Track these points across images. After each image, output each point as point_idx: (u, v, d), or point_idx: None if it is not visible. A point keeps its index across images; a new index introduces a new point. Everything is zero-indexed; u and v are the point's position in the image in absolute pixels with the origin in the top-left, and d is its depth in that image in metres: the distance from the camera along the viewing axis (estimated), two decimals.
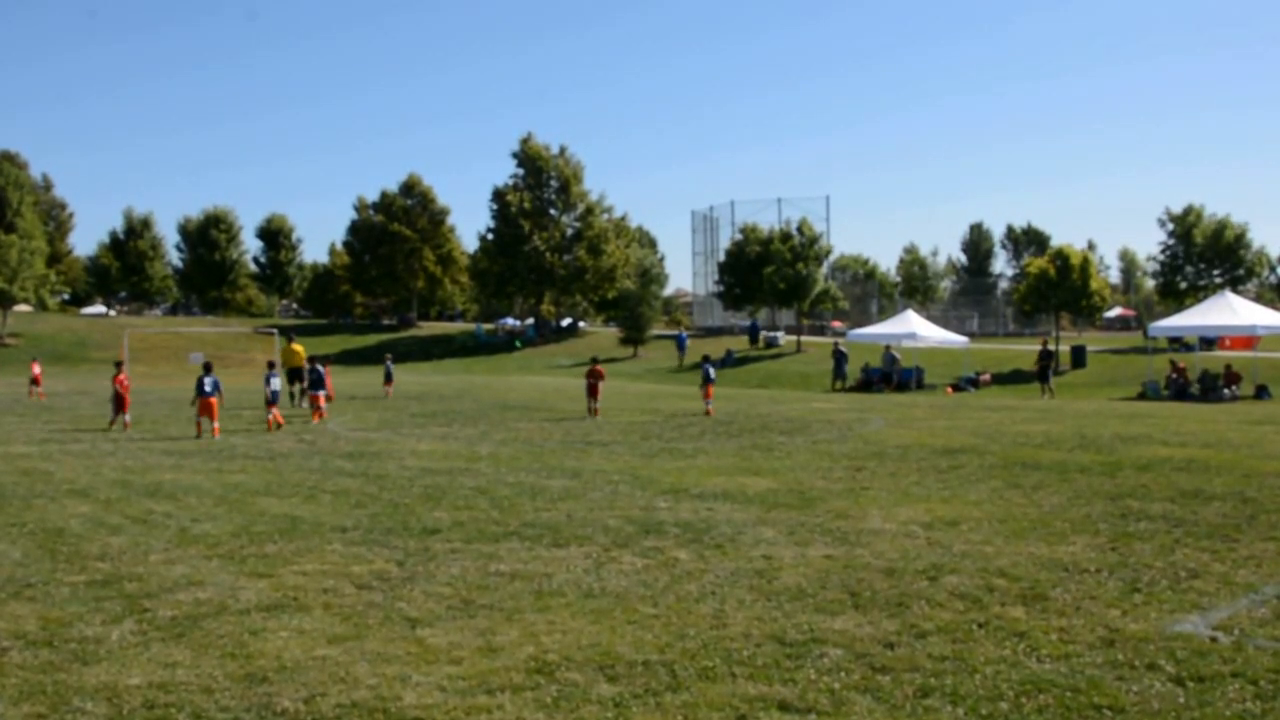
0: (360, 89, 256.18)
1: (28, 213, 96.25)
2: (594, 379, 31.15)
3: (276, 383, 27.49)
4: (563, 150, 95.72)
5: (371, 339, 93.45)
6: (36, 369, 48.05)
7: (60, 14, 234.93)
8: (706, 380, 32.20)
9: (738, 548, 11.29)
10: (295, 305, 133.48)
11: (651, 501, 14.64)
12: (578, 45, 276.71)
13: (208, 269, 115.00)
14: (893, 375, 50.02)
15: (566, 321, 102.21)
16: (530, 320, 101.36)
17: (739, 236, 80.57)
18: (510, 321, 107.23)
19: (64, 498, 15.65)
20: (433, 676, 7.13)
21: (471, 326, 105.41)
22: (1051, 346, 48.39)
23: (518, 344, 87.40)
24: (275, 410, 27.07)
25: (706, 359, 34.82)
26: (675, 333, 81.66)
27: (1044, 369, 45.42)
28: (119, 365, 27.51)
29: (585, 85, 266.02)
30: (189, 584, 9.92)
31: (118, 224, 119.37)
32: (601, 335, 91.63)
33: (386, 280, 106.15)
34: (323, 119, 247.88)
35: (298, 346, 38.51)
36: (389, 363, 44.31)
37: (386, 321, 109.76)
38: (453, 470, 18.36)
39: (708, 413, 30.63)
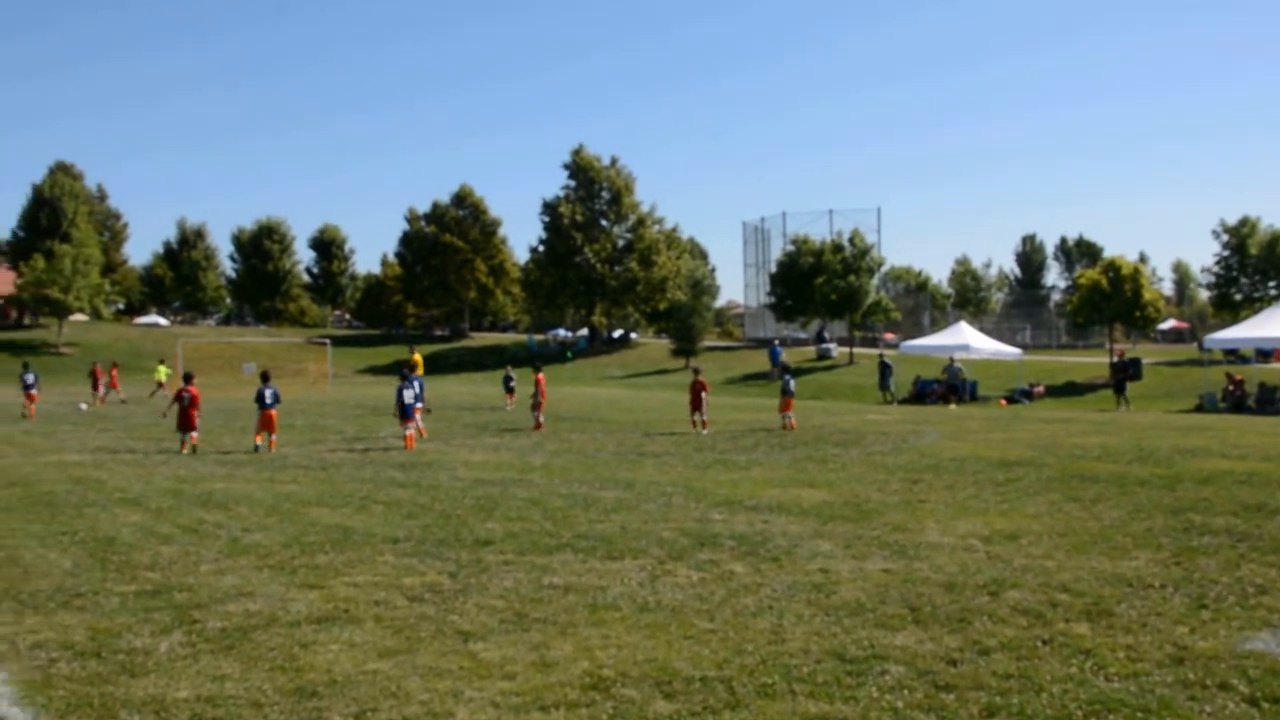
0: (412, 100, 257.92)
1: (83, 223, 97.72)
2: (697, 390, 30.01)
3: (409, 394, 25.65)
4: (614, 161, 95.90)
5: (423, 350, 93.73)
6: (114, 373, 49.40)
7: (116, 23, 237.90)
8: (786, 393, 30.80)
9: (794, 561, 11.12)
10: (347, 316, 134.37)
11: (706, 513, 14.49)
12: (630, 57, 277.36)
13: (261, 279, 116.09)
14: (959, 387, 49.54)
15: (618, 332, 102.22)
16: (582, 331, 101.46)
17: (790, 248, 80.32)
18: (562, 332, 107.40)
19: (115, 506, 15.71)
20: (486, 692, 7.02)
21: (523, 337, 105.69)
22: (1128, 357, 47.82)
23: (569, 355, 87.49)
24: (411, 425, 25.49)
25: (787, 370, 34.10)
26: (728, 343, 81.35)
27: (1120, 380, 44.89)
28: (189, 377, 27.05)
29: (637, 97, 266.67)
30: (239, 595, 9.87)
31: (172, 234, 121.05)
32: (653, 346, 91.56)
33: (438, 291, 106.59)
34: (375, 130, 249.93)
35: (417, 356, 39.05)
36: (510, 372, 44.11)
37: (438, 332, 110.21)
38: (505, 481, 18.29)
39: (786, 426, 29.56)
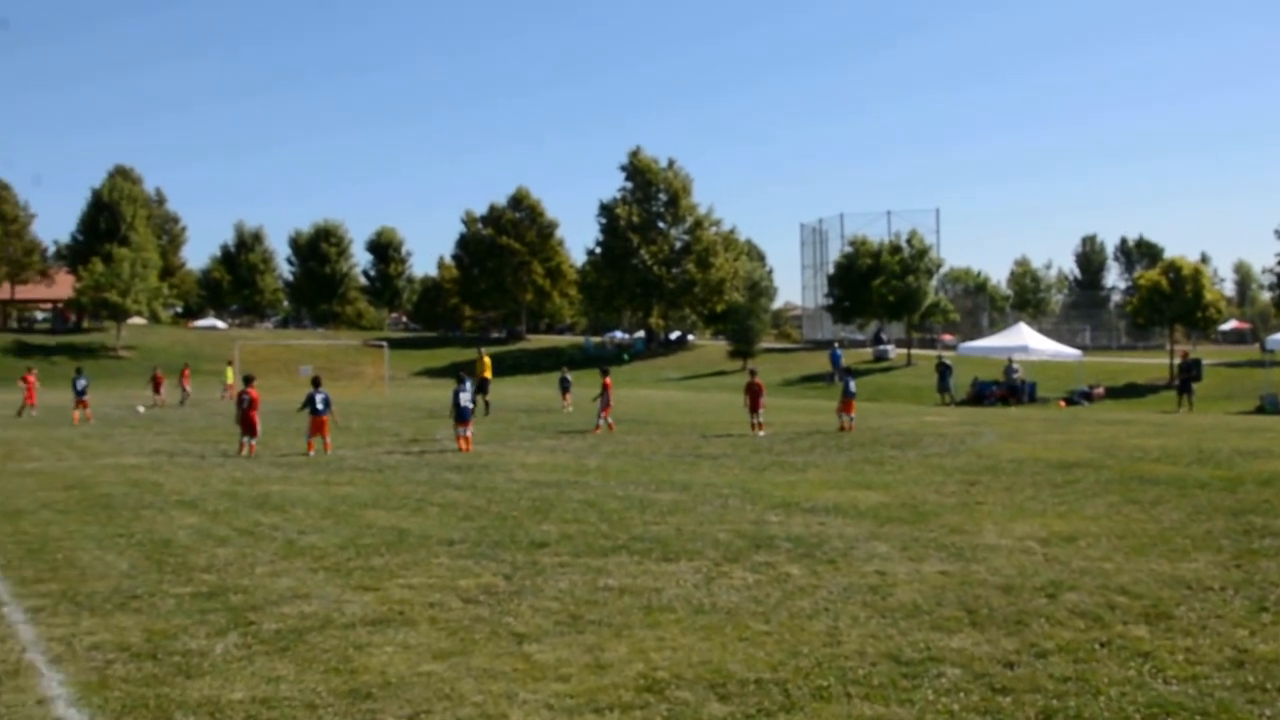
0: (469, 102, 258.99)
1: (141, 226, 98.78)
2: (754, 393, 29.74)
3: (467, 398, 25.50)
4: (671, 163, 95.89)
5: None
6: (186, 374, 51.25)
7: (176, 26, 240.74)
8: (847, 395, 30.47)
9: (850, 563, 11.04)
10: (404, 318, 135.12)
11: (762, 515, 14.42)
12: (688, 59, 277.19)
13: (318, 282, 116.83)
14: (1019, 389, 49.05)
15: (675, 334, 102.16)
16: (639, 333, 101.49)
17: (848, 249, 79.92)
18: (618, 334, 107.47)
19: (172, 509, 15.83)
20: (540, 694, 6.99)
21: (580, 339, 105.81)
22: (1193, 357, 47.17)
23: (626, 357, 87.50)
24: (469, 428, 25.27)
25: (848, 372, 33.80)
26: (785, 345, 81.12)
27: (1185, 380, 44.27)
28: (249, 380, 27.14)
29: (695, 98, 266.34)
30: (294, 597, 9.89)
31: (229, 237, 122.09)
32: (710, 348, 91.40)
33: (495, 293, 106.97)
34: (432, 132, 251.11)
35: (486, 359, 39.49)
36: (566, 374, 43.97)
37: (495, 334, 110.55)
38: (561, 483, 18.29)
39: (843, 428, 29.32)
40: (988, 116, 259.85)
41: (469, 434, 25.15)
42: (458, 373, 27.45)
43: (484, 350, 43.51)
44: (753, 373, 31.28)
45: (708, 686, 7.06)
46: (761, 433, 28.51)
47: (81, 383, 37.99)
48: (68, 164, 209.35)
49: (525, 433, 30.03)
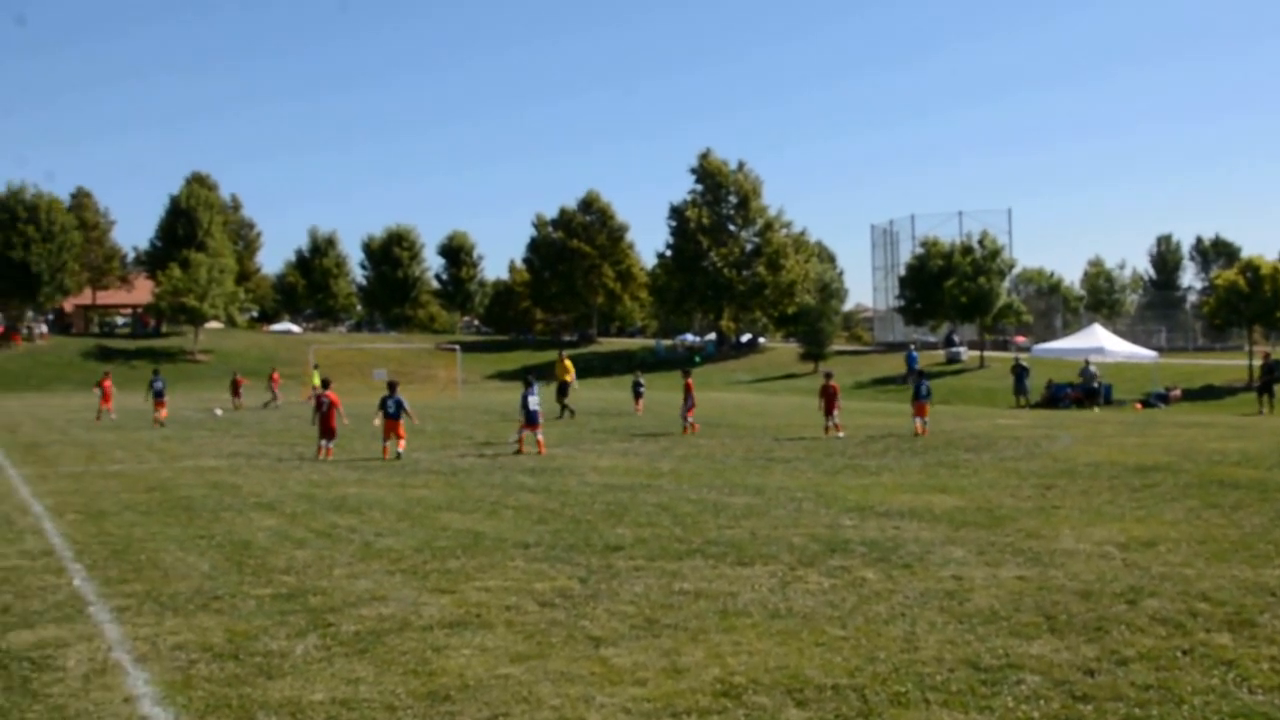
0: (539, 105, 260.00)
1: (217, 232, 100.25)
2: (829, 396, 29.55)
3: (535, 401, 25.50)
4: (741, 165, 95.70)
5: (552, 355, 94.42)
6: (275, 377, 52.03)
7: (244, 31, 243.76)
8: (919, 397, 30.17)
9: (926, 568, 10.97)
10: (476, 322, 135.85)
11: (836, 519, 14.36)
12: (756, 61, 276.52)
13: (390, 286, 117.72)
14: (1096, 390, 48.41)
15: (746, 337, 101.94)
16: (710, 336, 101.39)
17: (919, 250, 79.38)
18: (689, 337, 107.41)
19: (251, 511, 16.04)
20: (617, 698, 6.99)
21: (651, 342, 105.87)
22: (1275, 359, 46.27)
23: (697, 359, 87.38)
24: (538, 432, 25.34)
25: (922, 375, 33.52)
26: (857, 347, 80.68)
27: (1266, 382, 43.45)
28: (326, 383, 27.31)
29: (764, 100, 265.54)
30: (372, 599, 9.97)
31: (303, 242, 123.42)
32: (781, 351, 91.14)
33: (566, 296, 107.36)
34: (502, 135, 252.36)
35: (568, 362, 39.85)
36: (639, 378, 44.08)
37: (567, 338, 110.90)
38: (634, 486, 18.33)
39: (917, 432, 29.02)
40: (1061, 117, 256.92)
41: (540, 437, 25.24)
42: (526, 376, 27.53)
43: (564, 353, 43.77)
44: (828, 376, 31.10)
45: (785, 692, 7.04)
46: (840, 434, 28.40)
47: (159, 384, 38.53)
48: (147, 172, 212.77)
49: (597, 436, 30.09)
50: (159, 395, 38.23)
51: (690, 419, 30.88)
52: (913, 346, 70.87)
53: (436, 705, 6.95)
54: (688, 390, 31.16)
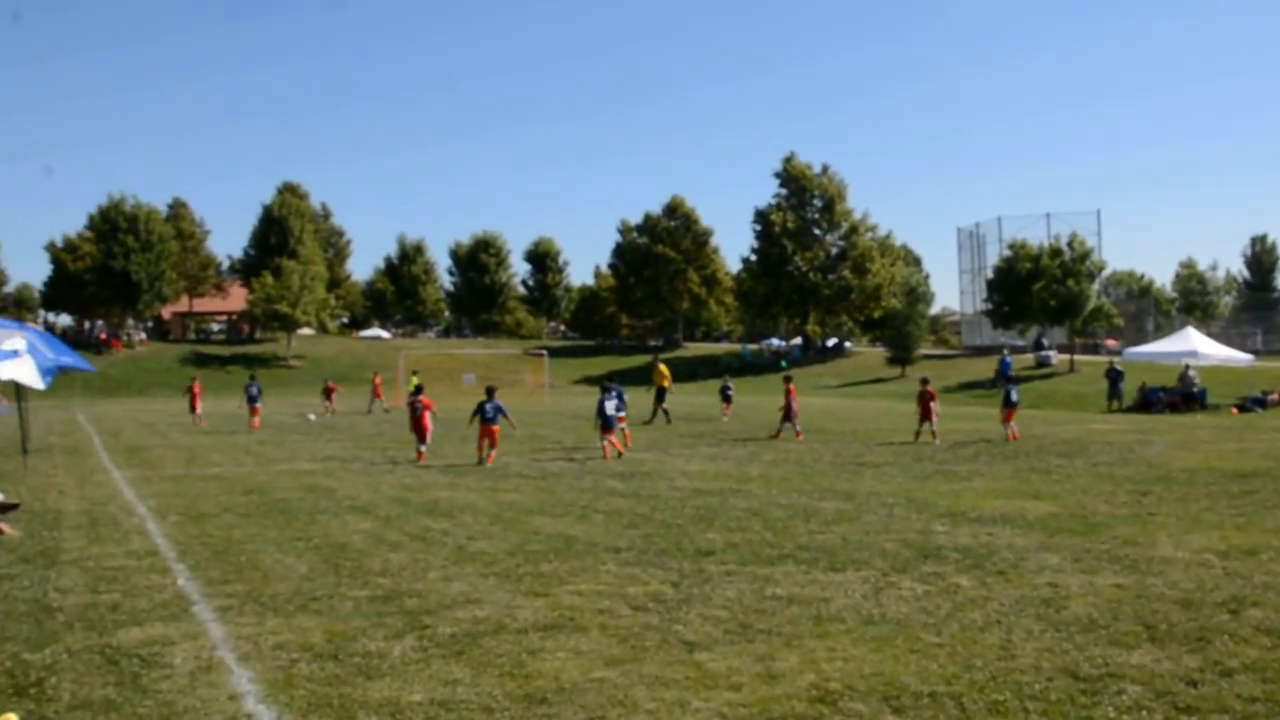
0: (622, 109, 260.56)
1: (308, 240, 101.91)
2: (925, 400, 29.20)
3: (611, 406, 25.55)
4: (825, 169, 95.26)
5: (638, 360, 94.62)
6: (378, 383, 52.61)
7: (334, 45, 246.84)
8: (1008, 403, 29.77)
9: (1021, 575, 10.86)
10: (562, 327, 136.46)
11: (928, 525, 14.28)
12: (839, 64, 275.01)
13: (478, 292, 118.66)
14: (1195, 395, 47.58)
15: (832, 341, 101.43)
16: (796, 340, 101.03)
17: (1007, 253, 78.48)
18: (775, 342, 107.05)
19: (346, 513, 16.25)
20: (713, 703, 6.98)
21: (736, 347, 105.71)
22: None
23: (783, 364, 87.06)
24: (612, 438, 25.39)
25: (1011, 380, 33.09)
26: (944, 351, 79.95)
27: None
28: (419, 389, 27.51)
29: (848, 104, 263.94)
30: (467, 601, 10.05)
31: (392, 250, 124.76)
32: (868, 355, 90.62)
33: (651, 302, 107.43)
34: (586, 142, 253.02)
35: (664, 367, 40.19)
36: (728, 382, 43.89)
37: (652, 343, 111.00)
38: (724, 491, 18.32)
39: (1008, 438, 28.62)
40: (1151, 118, 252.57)
41: (613, 440, 25.33)
42: (602, 382, 27.65)
43: (659, 358, 44.02)
44: (924, 381, 30.72)
45: (881, 699, 7.00)
46: (937, 441, 28.15)
47: (254, 390, 39.09)
48: (240, 183, 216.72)
49: (685, 440, 30.12)
50: (253, 401, 38.80)
51: (796, 425, 30.85)
52: (1006, 352, 70.03)
53: (533, 708, 6.99)
54: (789, 396, 31.07)
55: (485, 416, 24.11)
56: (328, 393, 50.32)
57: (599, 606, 9.76)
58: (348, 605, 10.00)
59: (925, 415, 28.94)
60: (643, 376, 54.31)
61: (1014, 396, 29.93)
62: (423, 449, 25.06)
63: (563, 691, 7.29)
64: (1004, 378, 35.52)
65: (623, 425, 27.50)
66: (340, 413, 48.48)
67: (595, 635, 8.76)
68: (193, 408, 41.98)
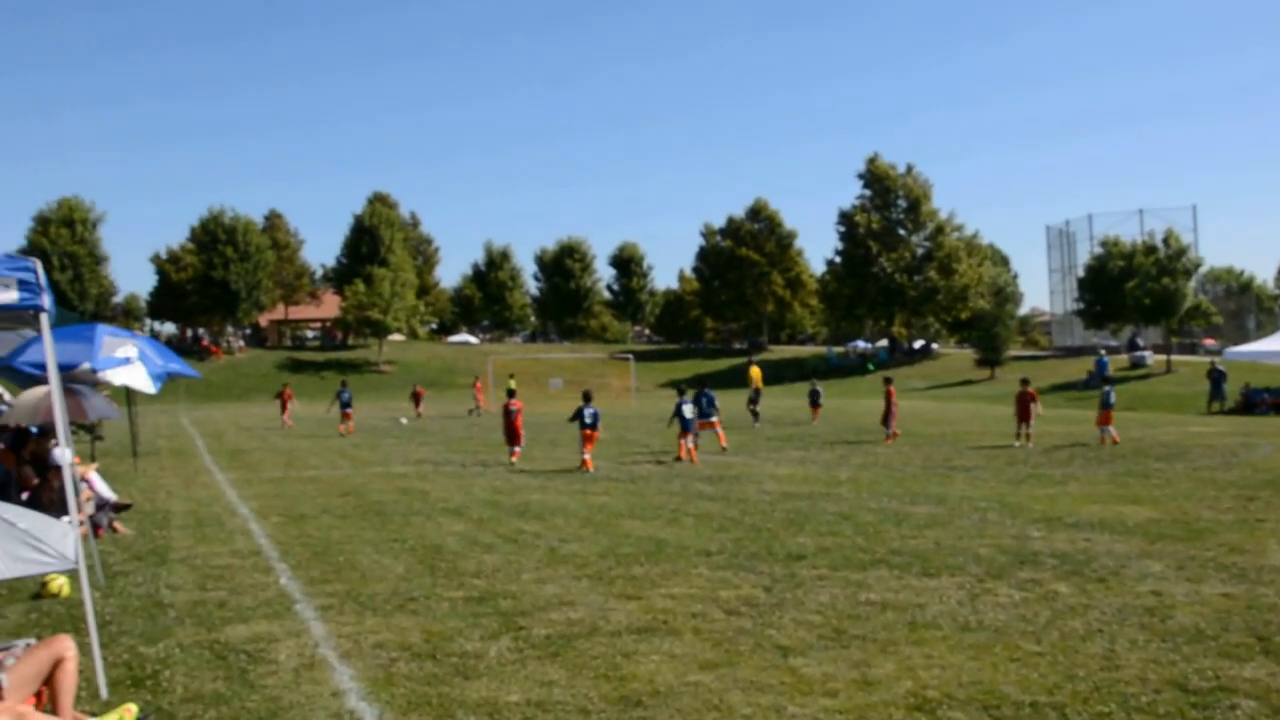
0: (707, 113, 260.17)
1: (399, 248, 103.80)
2: (1025, 402, 28.84)
3: (690, 409, 25.48)
4: (910, 169, 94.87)
5: (723, 363, 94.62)
6: (479, 387, 52.92)
7: (420, 52, 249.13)
8: (1106, 405, 29.09)
9: (1122, 582, 10.66)
10: (647, 331, 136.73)
11: (1023, 530, 14.08)
12: (924, 64, 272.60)
13: (563, 297, 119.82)
14: None
15: (919, 343, 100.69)
16: (882, 342, 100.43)
17: (1098, 251, 77.45)
18: (861, 344, 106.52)
19: (439, 516, 16.42)
20: (809, 709, 6.92)
21: (822, 350, 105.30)
22: None
23: (870, 366, 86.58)
24: (691, 439, 25.33)
25: (1108, 381, 32.54)
26: (1034, 352, 78.97)
27: None
28: (511, 393, 27.76)
29: (932, 103, 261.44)
30: (560, 603, 10.10)
31: (479, 256, 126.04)
32: (955, 357, 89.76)
33: (736, 305, 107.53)
34: (668, 145, 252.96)
35: (756, 369, 40.74)
36: (816, 385, 43.74)
37: (737, 345, 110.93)
38: (813, 495, 18.26)
39: (1105, 440, 28.11)
40: (1247, 113, 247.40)
41: (693, 445, 25.28)
42: (679, 385, 27.69)
43: (754, 360, 44.13)
44: (1024, 382, 30.38)
45: (981, 708, 6.88)
46: (1029, 444, 27.83)
47: (346, 395, 39.57)
48: (333, 191, 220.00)
49: (773, 444, 30.03)
50: (346, 405, 39.26)
51: (893, 428, 30.69)
52: (1103, 352, 69.05)
53: (629, 710, 6.99)
54: (889, 398, 30.85)
55: (585, 422, 23.82)
56: (416, 398, 51.01)
57: (692, 610, 9.74)
58: (444, 606, 10.09)
59: (1024, 417, 28.54)
60: (731, 379, 54.38)
61: (1112, 398, 29.40)
62: (515, 450, 25.28)
63: (658, 695, 7.28)
64: (1102, 378, 34.75)
65: (718, 429, 27.69)
66: (428, 416, 49.00)
67: (689, 639, 8.73)
68: (283, 411, 42.65)
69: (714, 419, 27.69)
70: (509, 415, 25.70)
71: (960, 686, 7.32)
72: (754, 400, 39.63)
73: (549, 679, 7.69)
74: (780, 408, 51.72)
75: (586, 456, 23.72)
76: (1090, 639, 8.51)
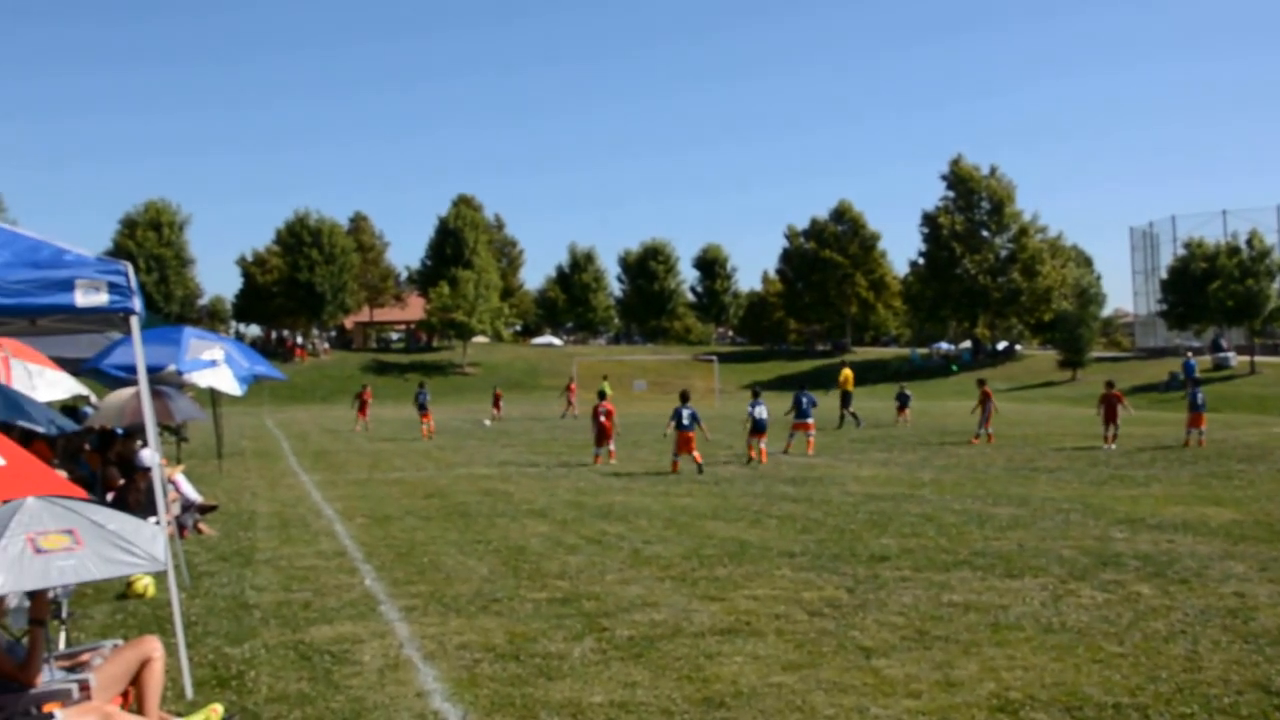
0: (790, 119, 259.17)
1: (483, 251, 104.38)
2: (1111, 403, 28.62)
3: (762, 411, 25.23)
4: (994, 170, 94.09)
5: (806, 365, 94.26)
6: (573, 389, 53.29)
7: (510, 70, 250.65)
8: (1195, 407, 28.67)
9: (1205, 583, 10.60)
10: (731, 333, 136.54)
11: (1106, 531, 14.01)
12: (1005, 60, 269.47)
13: (647, 299, 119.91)
14: None
15: (1002, 345, 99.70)
16: (965, 344, 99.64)
17: (1182, 252, 76.37)
18: (944, 345, 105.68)
19: (523, 517, 16.55)
20: (891, 710, 6.97)
21: (905, 351, 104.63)
22: None
23: (954, 368, 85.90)
24: (762, 440, 25.32)
25: (1197, 383, 32.08)
26: (1116, 354, 77.94)
27: None
28: (603, 395, 27.99)
29: (1013, 103, 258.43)
30: (644, 605, 10.16)
31: (563, 258, 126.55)
32: (1038, 358, 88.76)
33: (819, 306, 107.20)
34: (754, 150, 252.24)
35: (848, 371, 41.07)
36: (905, 389, 43.25)
37: (820, 347, 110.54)
38: (896, 496, 18.24)
39: (1192, 443, 27.69)
40: None
41: (763, 446, 25.38)
42: (753, 387, 27.71)
43: (846, 362, 44.21)
44: (1109, 385, 30.14)
45: (1063, 709, 6.91)
46: (1113, 445, 27.61)
47: (423, 397, 39.77)
48: (418, 195, 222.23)
49: (856, 446, 29.95)
50: (423, 408, 39.38)
51: (985, 428, 30.59)
52: (1189, 354, 68.02)
53: (712, 711, 7.04)
54: (986, 399, 30.88)
55: (682, 423, 23.49)
56: (496, 400, 51.55)
57: (774, 611, 9.81)
58: (527, 607, 10.19)
59: (1110, 419, 28.30)
60: (814, 380, 54.27)
61: (1200, 399, 28.97)
62: (601, 452, 25.56)
63: (741, 696, 7.33)
64: (1190, 380, 34.16)
65: (810, 432, 27.90)
66: (511, 418, 49.39)
67: (772, 640, 8.79)
68: (361, 412, 43.03)
69: (810, 420, 27.80)
70: (600, 417, 25.87)
71: (1043, 688, 7.34)
72: (845, 403, 39.78)
73: (632, 680, 7.76)
74: (863, 410, 51.45)
75: (678, 459, 23.47)
76: (1173, 640, 8.50)
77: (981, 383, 32.15)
